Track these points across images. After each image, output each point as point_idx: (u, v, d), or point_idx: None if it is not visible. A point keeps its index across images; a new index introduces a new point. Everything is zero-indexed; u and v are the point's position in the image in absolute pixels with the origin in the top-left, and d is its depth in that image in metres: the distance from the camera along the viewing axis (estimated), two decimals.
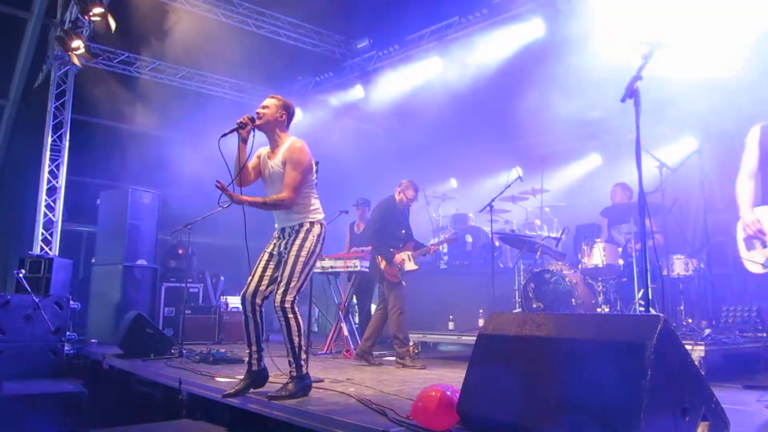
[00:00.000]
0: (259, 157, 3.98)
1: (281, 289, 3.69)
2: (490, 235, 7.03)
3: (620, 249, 6.12)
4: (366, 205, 7.65)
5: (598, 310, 5.88)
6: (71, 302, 7.12)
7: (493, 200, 6.92)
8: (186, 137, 10.16)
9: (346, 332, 6.89)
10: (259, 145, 3.92)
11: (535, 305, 6.10)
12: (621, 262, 6.04)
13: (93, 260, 8.82)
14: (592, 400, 2.07)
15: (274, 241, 3.95)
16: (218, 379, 4.52)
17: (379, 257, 5.95)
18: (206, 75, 10.64)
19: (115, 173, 10.02)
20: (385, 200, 6.15)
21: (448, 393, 2.82)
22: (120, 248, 8.22)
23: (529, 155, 9.07)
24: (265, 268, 3.88)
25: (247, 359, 3.89)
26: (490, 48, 8.39)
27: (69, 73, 9.66)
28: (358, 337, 7.06)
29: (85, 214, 9.80)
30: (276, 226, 3.99)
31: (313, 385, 3.91)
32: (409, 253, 5.99)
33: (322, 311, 8.77)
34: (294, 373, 3.72)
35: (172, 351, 6.13)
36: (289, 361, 3.74)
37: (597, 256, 6.03)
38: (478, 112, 8.82)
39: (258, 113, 3.85)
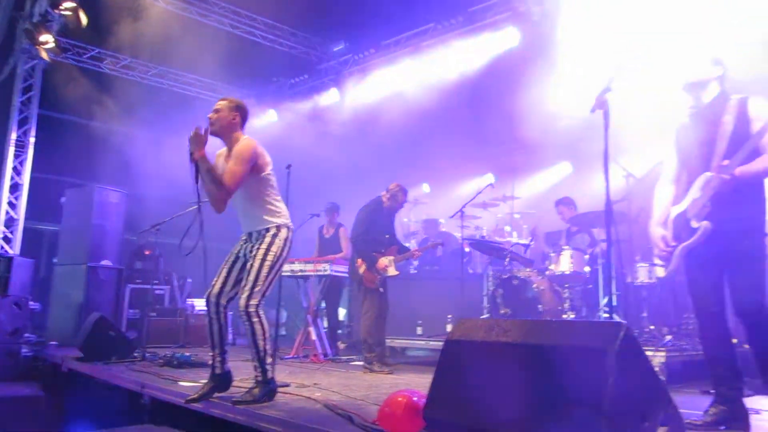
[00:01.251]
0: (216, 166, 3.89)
1: (245, 293, 3.64)
2: (460, 241, 7.07)
3: (587, 256, 6.21)
4: (335, 210, 7.62)
5: (564, 316, 5.96)
6: (31, 303, 6.93)
7: (464, 206, 6.97)
8: (157, 136, 10.00)
9: (314, 336, 6.84)
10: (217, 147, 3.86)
11: (502, 311, 6.15)
12: (587, 269, 6.14)
13: (55, 260, 8.61)
14: (556, 406, 2.09)
15: (241, 243, 3.90)
16: (182, 383, 4.44)
17: (359, 261, 5.90)
18: (179, 74, 10.51)
19: (82, 171, 9.82)
20: (370, 203, 6.08)
21: (415, 398, 2.82)
22: (84, 248, 8.02)
23: (501, 162, 9.15)
24: (230, 270, 3.83)
25: (210, 362, 3.83)
26: (465, 55, 8.47)
27: (36, 67, 9.44)
28: (326, 341, 7.03)
29: (49, 212, 9.57)
30: (243, 230, 3.93)
31: (279, 389, 3.87)
32: (392, 258, 5.95)
33: (290, 315, 8.70)
34: (259, 378, 3.67)
35: (135, 354, 6.01)
36: (254, 366, 3.69)
37: (564, 263, 6.12)
38: (452, 118, 8.87)
39: (210, 119, 3.76)
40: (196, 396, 3.71)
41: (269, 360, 3.72)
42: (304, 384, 4.49)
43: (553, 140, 7.94)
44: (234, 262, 3.85)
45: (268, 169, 3.84)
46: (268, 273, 3.69)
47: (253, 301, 3.62)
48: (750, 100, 3.10)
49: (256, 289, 3.64)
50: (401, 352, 7.69)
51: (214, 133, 3.76)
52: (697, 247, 3.11)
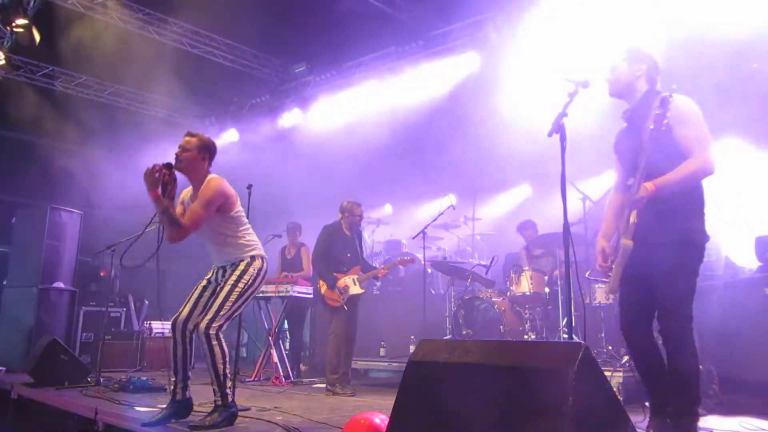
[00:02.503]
0: (182, 203, 3.88)
1: (208, 316, 3.63)
2: (422, 262, 7.11)
3: (546, 277, 6.32)
4: (297, 230, 7.59)
5: (525, 336, 6.04)
6: None
7: (426, 227, 7.02)
8: (113, 156, 9.81)
9: (275, 359, 6.74)
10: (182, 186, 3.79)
11: (464, 332, 6.19)
12: (547, 290, 6.24)
13: (5, 282, 8.29)
14: (518, 425, 2.11)
15: (214, 270, 3.90)
16: (138, 408, 4.32)
17: (321, 281, 5.88)
18: (136, 92, 10.34)
19: (34, 192, 9.50)
20: (328, 225, 6.08)
21: (377, 421, 2.81)
22: (35, 270, 7.76)
23: (462, 184, 9.28)
24: (200, 296, 3.82)
25: (171, 387, 3.75)
26: (426, 79, 8.61)
27: None
28: (288, 363, 6.94)
29: None
30: (213, 261, 3.91)
31: (240, 413, 3.80)
32: (355, 276, 5.92)
33: (251, 337, 8.56)
34: (218, 402, 3.62)
35: (89, 379, 5.81)
36: (214, 390, 3.62)
37: (524, 284, 6.21)
38: (414, 139, 8.98)
39: (177, 156, 3.72)
40: (154, 420, 3.62)
41: (229, 384, 3.67)
42: (265, 407, 4.42)
43: (513, 162, 8.09)
44: (204, 288, 3.85)
45: (236, 208, 3.82)
46: (236, 300, 3.68)
47: (215, 324, 3.59)
48: (672, 102, 2.79)
49: (221, 313, 3.63)
50: (364, 373, 7.64)
51: (180, 170, 3.71)
52: (629, 263, 2.95)
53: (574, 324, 5.00)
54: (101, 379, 5.78)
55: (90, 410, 4.34)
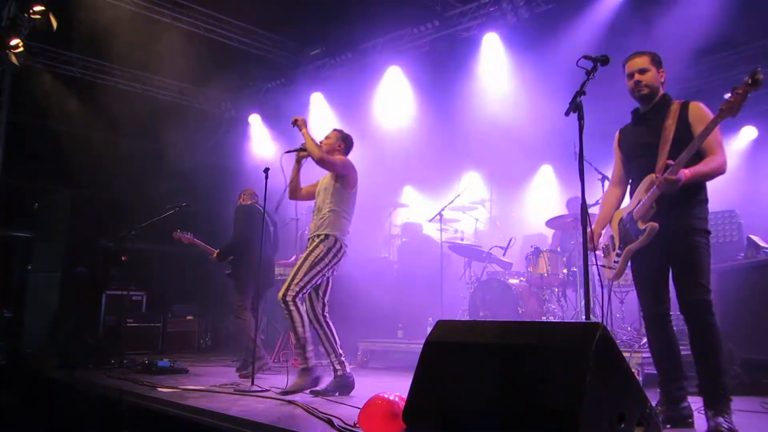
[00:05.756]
0: (317, 184, 4.61)
1: (285, 285, 4.15)
2: (440, 244, 7.11)
3: (564, 259, 6.28)
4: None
5: (543, 317, 6.02)
6: (4, 311, 6.80)
7: (443, 209, 7.01)
8: (132, 141, 9.89)
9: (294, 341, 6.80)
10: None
11: (481, 313, 6.19)
12: (565, 271, 6.20)
13: (30, 267, 8.46)
14: (534, 405, 2.12)
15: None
16: (160, 389, 4.40)
17: None
18: (152, 77, 10.37)
19: (56, 178, 9.63)
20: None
21: (395, 400, 2.83)
22: (59, 255, 7.90)
23: (481, 165, 9.23)
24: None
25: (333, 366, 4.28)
26: (443, 59, 8.52)
27: (6, 72, 9.25)
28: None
29: (23, 219, 9.37)
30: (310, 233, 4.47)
31: (258, 394, 3.87)
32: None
33: (270, 320, 8.64)
34: (302, 366, 4.15)
35: (112, 361, 5.93)
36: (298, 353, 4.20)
37: (542, 265, 6.18)
38: (433, 121, 8.91)
39: (320, 143, 4.46)
40: (320, 391, 4.14)
41: (309, 348, 4.18)
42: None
43: (533, 143, 8.01)
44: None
45: (353, 190, 4.45)
46: (308, 271, 4.17)
47: (290, 293, 4.11)
48: (691, 105, 3.15)
49: (294, 282, 4.13)
50: (383, 354, 7.69)
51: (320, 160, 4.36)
52: (643, 249, 3.14)
53: (592, 305, 4.98)
54: (124, 361, 5.89)
55: (115, 391, 4.44)
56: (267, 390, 4.31)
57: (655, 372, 3.38)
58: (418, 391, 2.57)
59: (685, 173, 2.98)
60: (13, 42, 7.83)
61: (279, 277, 6.85)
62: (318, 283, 4.27)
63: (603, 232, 3.44)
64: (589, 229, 3.10)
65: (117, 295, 8.27)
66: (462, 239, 8.06)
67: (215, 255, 6.20)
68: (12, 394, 5.81)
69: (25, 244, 9.24)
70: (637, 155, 3.30)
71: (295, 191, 4.62)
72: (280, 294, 4.11)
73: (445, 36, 8.32)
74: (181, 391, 4.38)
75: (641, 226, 3.13)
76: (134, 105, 9.69)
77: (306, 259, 4.20)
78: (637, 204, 3.19)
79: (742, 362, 4.54)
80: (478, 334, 2.52)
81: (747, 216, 5.83)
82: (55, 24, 7.26)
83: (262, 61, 9.89)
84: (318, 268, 4.19)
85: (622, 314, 5.95)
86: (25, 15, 7.48)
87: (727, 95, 2.85)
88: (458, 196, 7.37)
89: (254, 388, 4.37)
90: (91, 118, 9.57)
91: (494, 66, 8.04)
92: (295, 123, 4.45)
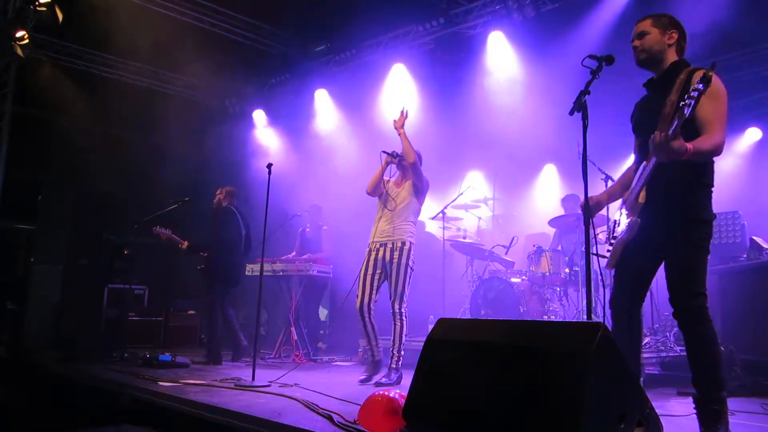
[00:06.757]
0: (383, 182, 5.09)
1: (398, 300, 4.79)
2: (442, 242, 7.11)
3: (567, 258, 6.28)
4: (317, 211, 7.62)
5: (544, 317, 6.02)
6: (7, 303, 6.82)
7: (445, 207, 7.01)
8: (137, 135, 9.90)
9: (295, 336, 6.83)
10: None
11: (483, 312, 6.19)
12: (567, 270, 6.20)
13: (32, 260, 8.47)
14: (535, 404, 2.12)
15: (374, 253, 4.89)
16: (162, 383, 4.41)
17: None
18: (156, 71, 10.37)
19: (60, 170, 9.64)
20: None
21: (395, 398, 2.83)
22: (61, 247, 7.91)
23: (485, 164, 9.21)
24: (372, 280, 4.89)
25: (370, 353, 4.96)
26: (449, 57, 8.49)
27: (11, 64, 9.25)
28: (308, 341, 7.02)
29: (26, 212, 9.39)
30: (374, 238, 4.94)
31: (259, 389, 3.87)
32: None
33: (271, 315, 8.65)
34: (393, 366, 4.80)
35: (114, 355, 5.95)
36: (392, 354, 4.82)
37: (544, 264, 6.17)
38: (437, 119, 8.89)
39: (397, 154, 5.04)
40: (364, 378, 4.79)
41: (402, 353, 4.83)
42: (286, 383, 4.48)
43: (536, 142, 8.00)
44: (373, 274, 4.87)
45: (423, 202, 5.12)
46: (405, 280, 4.79)
47: (404, 305, 4.78)
48: (695, 75, 2.67)
49: (398, 293, 4.77)
50: (384, 352, 7.68)
51: (398, 165, 5.15)
52: (632, 240, 2.89)
53: (593, 304, 4.97)
54: (126, 355, 5.91)
55: (116, 385, 4.45)
56: (268, 385, 4.32)
57: (654, 372, 3.34)
58: (419, 388, 2.57)
59: (688, 147, 2.58)
60: (19, 34, 7.84)
61: (282, 273, 6.87)
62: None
63: (594, 197, 3.13)
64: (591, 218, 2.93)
65: (119, 288, 8.27)
66: (464, 237, 8.05)
67: (185, 246, 6.75)
68: (14, 387, 5.82)
69: (28, 236, 9.25)
70: (638, 134, 3.07)
71: (377, 186, 5.05)
72: (396, 307, 4.76)
73: (451, 34, 8.30)
74: (182, 385, 4.39)
75: (626, 218, 2.92)
76: (138, 98, 9.70)
77: (405, 271, 4.77)
78: (628, 192, 2.95)
79: (743, 363, 4.53)
80: (479, 332, 2.52)
81: (750, 217, 5.80)
82: (60, 16, 7.27)
83: (267, 57, 9.88)
84: (409, 272, 4.81)
85: None
86: (31, 7, 7.49)
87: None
88: (461, 194, 7.36)
89: (255, 383, 4.38)
90: (95, 111, 9.57)
91: (499, 65, 8.01)
92: (401, 125, 5.03)
